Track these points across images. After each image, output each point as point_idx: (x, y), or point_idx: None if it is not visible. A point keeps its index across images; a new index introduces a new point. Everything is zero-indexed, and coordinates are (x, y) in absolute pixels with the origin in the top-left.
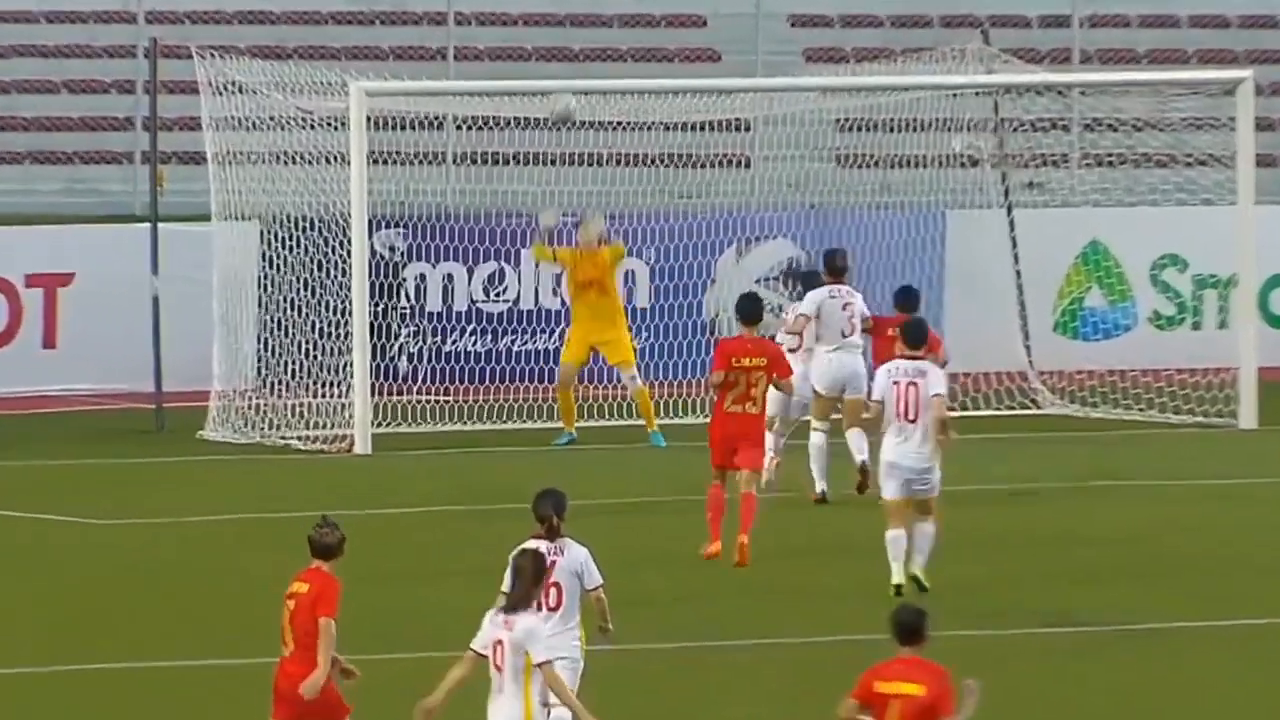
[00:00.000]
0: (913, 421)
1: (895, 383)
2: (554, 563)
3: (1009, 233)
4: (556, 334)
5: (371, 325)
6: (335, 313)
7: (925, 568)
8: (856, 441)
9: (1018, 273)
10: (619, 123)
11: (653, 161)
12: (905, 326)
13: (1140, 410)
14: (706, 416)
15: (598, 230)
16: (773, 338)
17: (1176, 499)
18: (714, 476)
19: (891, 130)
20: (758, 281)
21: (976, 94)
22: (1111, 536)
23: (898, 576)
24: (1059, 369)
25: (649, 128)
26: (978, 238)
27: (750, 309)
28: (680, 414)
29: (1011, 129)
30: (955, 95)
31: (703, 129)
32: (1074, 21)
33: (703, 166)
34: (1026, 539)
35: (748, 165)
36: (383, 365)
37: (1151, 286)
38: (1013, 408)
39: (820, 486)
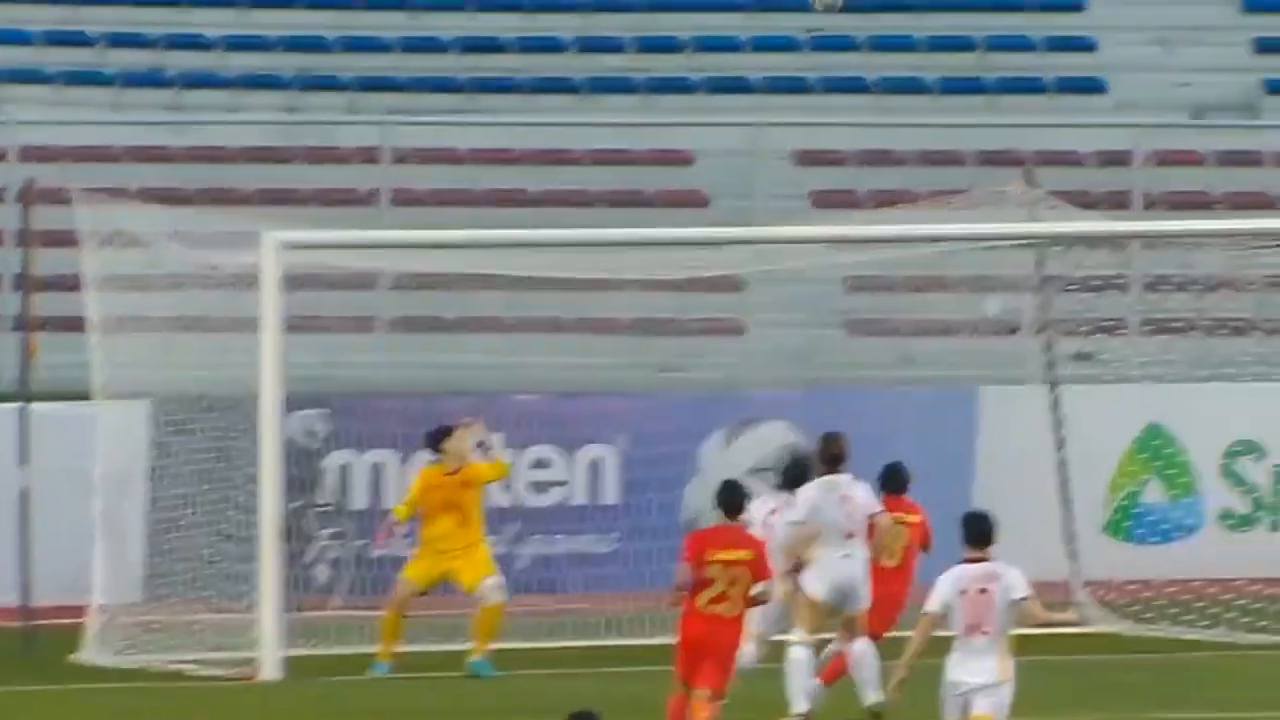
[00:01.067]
0: (986, 634)
1: (963, 591)
2: None
3: (1052, 413)
4: (507, 535)
5: (284, 526)
6: (241, 511)
7: None
8: (865, 669)
9: (1062, 461)
10: (588, 280)
11: (627, 328)
12: (968, 521)
13: (1206, 628)
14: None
15: (475, 439)
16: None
17: None
18: (677, 686)
19: (914, 291)
20: (747, 472)
21: (1017, 246)
22: None
23: None
24: (1109, 577)
25: (623, 287)
26: (1015, 419)
27: (730, 498)
28: (647, 634)
29: (1058, 289)
30: (991, 248)
31: (688, 288)
32: (1135, 159)
33: (686, 334)
34: None
35: (741, 332)
36: (298, 574)
37: (1222, 479)
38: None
39: (801, 707)
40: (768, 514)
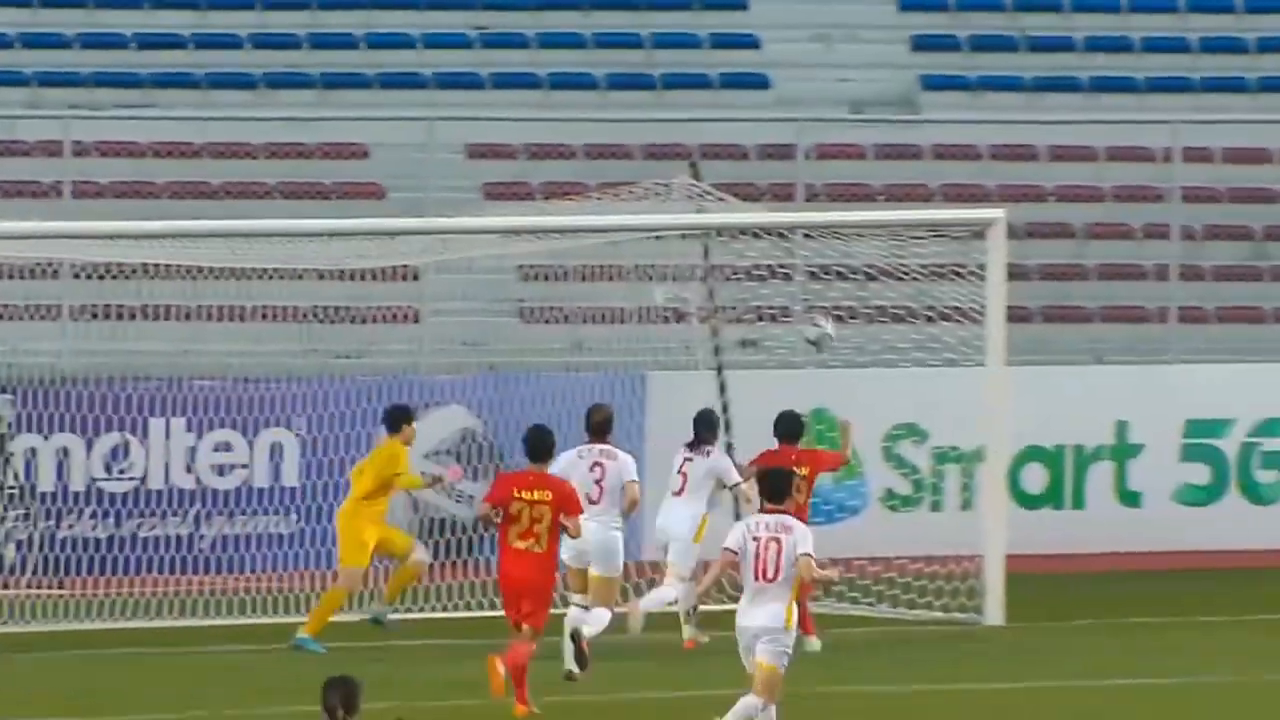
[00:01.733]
0: (771, 581)
1: (756, 538)
2: None
3: (719, 398)
4: (190, 517)
5: None
6: None
7: None
8: (596, 617)
9: (729, 445)
10: (266, 271)
11: (304, 316)
12: (764, 477)
13: (869, 605)
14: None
15: (447, 484)
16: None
17: (912, 709)
18: (512, 632)
19: (584, 279)
20: (425, 456)
21: (683, 236)
22: None
23: None
24: None
25: (300, 276)
26: (683, 404)
27: (538, 444)
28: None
29: (724, 278)
30: (659, 238)
31: (364, 278)
32: (797, 152)
33: (363, 322)
34: None
35: (417, 320)
36: None
37: (885, 461)
38: (722, 600)
39: (569, 666)
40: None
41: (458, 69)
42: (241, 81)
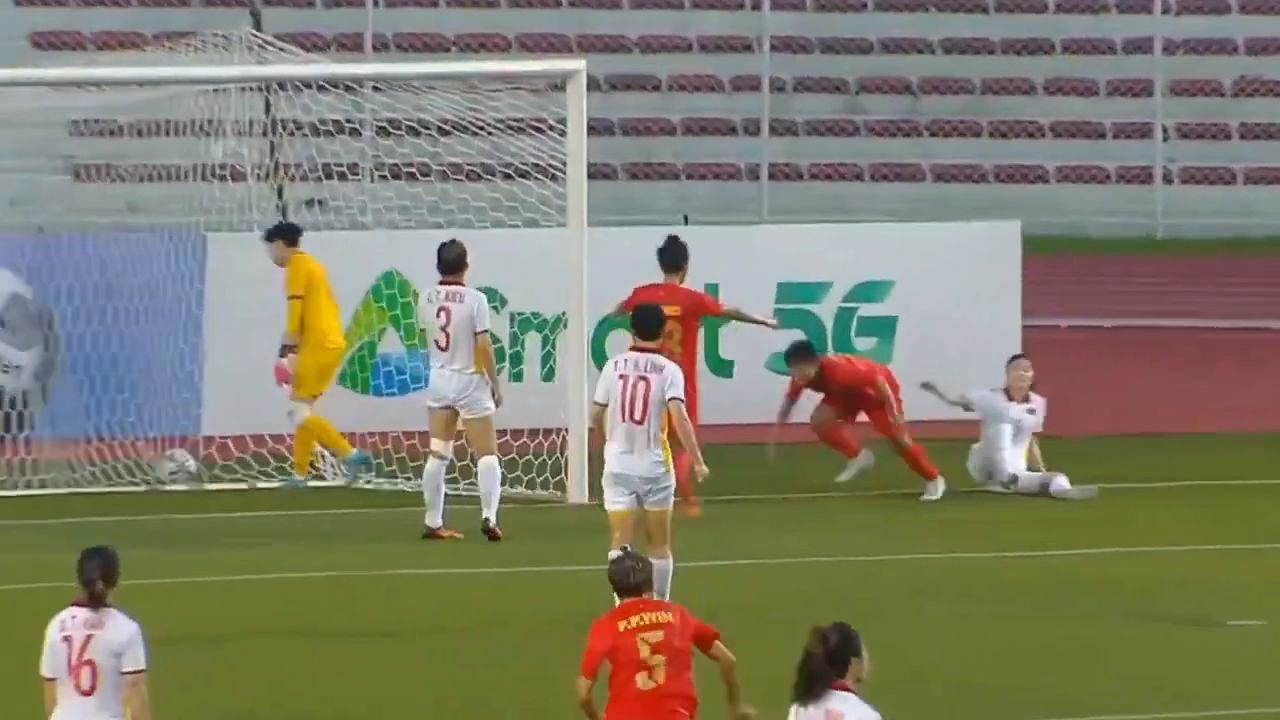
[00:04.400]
0: (640, 423)
1: (622, 377)
2: (90, 638)
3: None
4: None
5: None
6: None
7: None
8: (485, 480)
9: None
10: None
11: None
12: (637, 313)
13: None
14: None
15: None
16: None
17: (478, 589)
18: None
19: (140, 135)
20: None
21: (244, 90)
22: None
23: None
24: (353, 430)
25: None
26: (246, 267)
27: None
28: None
29: (288, 133)
30: (217, 91)
31: None
32: (366, 0)
33: None
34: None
35: None
36: None
37: None
38: (268, 474)
39: (432, 519)
40: None
41: None
42: None
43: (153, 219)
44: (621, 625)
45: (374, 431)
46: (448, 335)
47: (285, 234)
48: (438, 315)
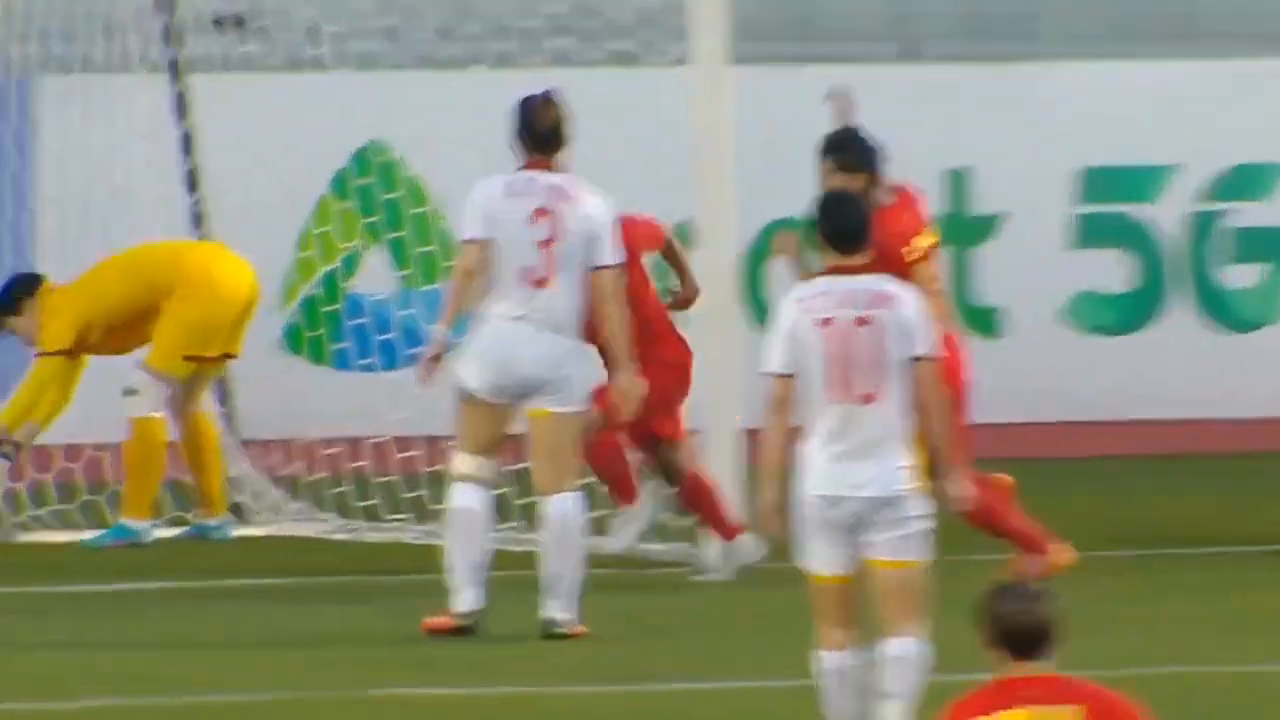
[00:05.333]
0: (866, 400)
1: (823, 322)
2: None
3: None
4: None
5: None
6: None
7: None
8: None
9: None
10: None
11: None
12: (828, 207)
13: None
14: None
15: None
16: None
17: None
18: None
19: None
20: None
21: None
22: None
23: None
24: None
25: None
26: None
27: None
28: None
29: None
30: None
31: None
32: None
33: None
34: None
35: None
36: None
37: None
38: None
39: (465, 600)
40: None
41: None
42: None
43: None
44: None
45: (335, 437)
46: (548, 259)
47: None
48: (530, 222)
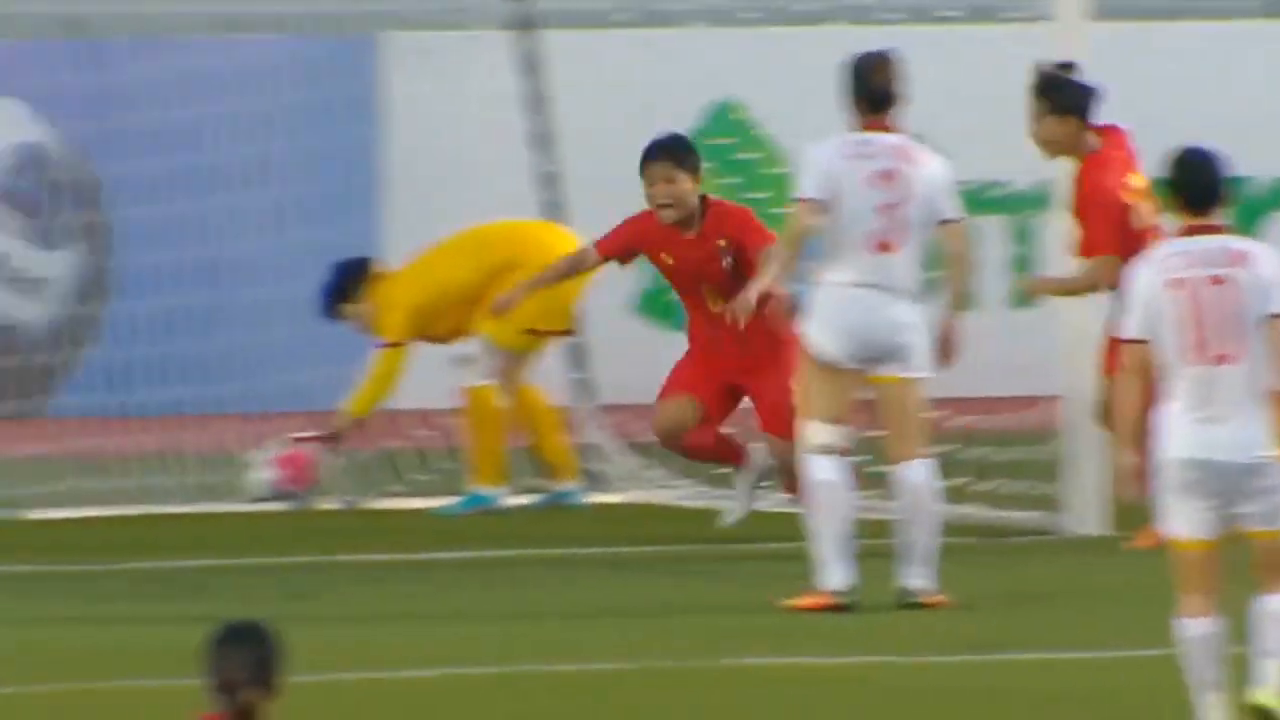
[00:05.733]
0: (1227, 362)
1: (1177, 283)
2: None
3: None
4: None
5: None
6: None
7: None
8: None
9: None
10: None
11: None
12: (1183, 166)
13: None
14: None
15: None
16: None
17: None
18: None
19: None
20: None
21: None
22: None
23: None
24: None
25: None
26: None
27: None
28: None
29: None
30: None
31: None
32: None
33: None
34: None
35: None
36: None
37: None
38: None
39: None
40: None
41: None
42: None
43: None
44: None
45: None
46: (893, 223)
47: None
48: (872, 185)
